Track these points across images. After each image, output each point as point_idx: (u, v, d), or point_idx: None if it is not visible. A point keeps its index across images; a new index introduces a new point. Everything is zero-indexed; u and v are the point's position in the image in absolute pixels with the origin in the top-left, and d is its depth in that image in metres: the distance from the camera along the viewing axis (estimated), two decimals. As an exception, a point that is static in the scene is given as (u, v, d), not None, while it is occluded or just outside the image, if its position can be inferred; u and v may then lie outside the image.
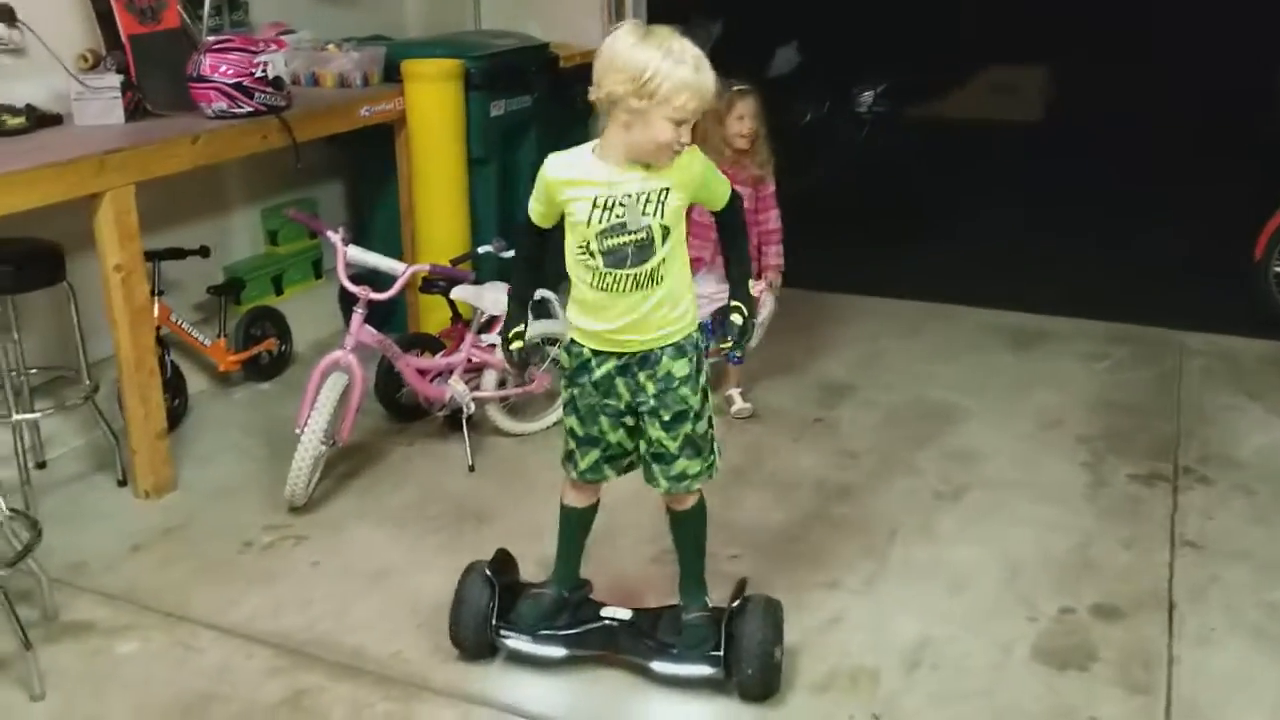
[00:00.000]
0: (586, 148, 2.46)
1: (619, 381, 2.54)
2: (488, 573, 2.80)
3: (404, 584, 3.20)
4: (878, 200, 7.83)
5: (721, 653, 2.64)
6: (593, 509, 2.81)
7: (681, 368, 2.52)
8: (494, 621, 2.77)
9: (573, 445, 2.67)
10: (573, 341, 2.60)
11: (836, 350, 4.88)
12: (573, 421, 2.64)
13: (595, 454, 2.64)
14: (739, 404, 4.22)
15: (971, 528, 3.46)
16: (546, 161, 2.48)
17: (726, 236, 2.68)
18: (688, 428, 2.55)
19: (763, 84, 9.19)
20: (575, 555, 2.84)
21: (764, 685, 2.65)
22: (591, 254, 2.44)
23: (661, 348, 2.51)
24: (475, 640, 2.80)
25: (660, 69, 2.25)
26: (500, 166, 4.87)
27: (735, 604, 2.68)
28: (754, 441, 4.02)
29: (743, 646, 2.62)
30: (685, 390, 2.52)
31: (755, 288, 4.10)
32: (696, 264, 4.06)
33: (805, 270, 5.36)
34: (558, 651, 2.77)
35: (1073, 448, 3.95)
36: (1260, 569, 3.20)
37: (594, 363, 2.55)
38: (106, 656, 2.89)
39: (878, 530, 3.44)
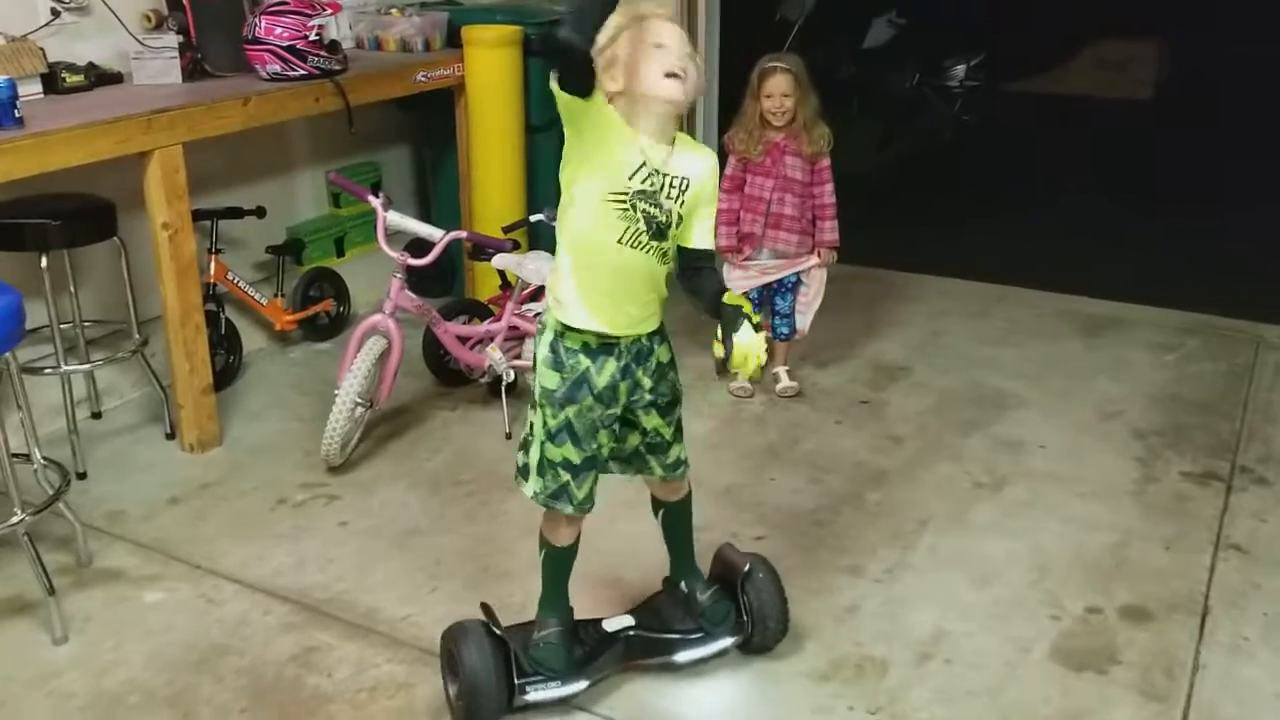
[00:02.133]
0: None
1: (621, 385, 2.36)
2: (497, 631, 2.50)
3: (427, 548, 3.23)
4: (958, 177, 7.64)
5: (745, 619, 2.67)
6: (578, 540, 2.57)
7: (666, 353, 2.45)
8: (517, 681, 2.48)
9: (567, 478, 2.38)
10: (566, 351, 2.33)
11: (896, 330, 4.78)
12: (567, 450, 2.36)
13: (593, 477, 2.43)
14: (784, 382, 4.16)
15: (1007, 520, 3.36)
16: None
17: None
18: (678, 413, 2.51)
19: (856, 55, 9.05)
20: (565, 588, 2.61)
21: (783, 632, 2.72)
22: (631, 206, 2.21)
23: (649, 335, 2.39)
24: (498, 708, 2.47)
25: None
26: (560, 134, 4.83)
27: (746, 568, 2.68)
28: (795, 420, 3.96)
29: (766, 606, 2.66)
30: (673, 375, 2.48)
31: (809, 262, 4.06)
32: (749, 239, 4.02)
33: (875, 246, 5.28)
34: (581, 685, 2.55)
35: (1127, 442, 3.81)
36: (1307, 578, 3.05)
37: (593, 370, 2.33)
38: (132, 604, 2.98)
39: (909, 518, 3.37)
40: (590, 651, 2.59)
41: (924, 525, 3.33)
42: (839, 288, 4.16)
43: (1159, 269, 5.45)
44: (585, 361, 2.32)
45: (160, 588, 3.05)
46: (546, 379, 2.35)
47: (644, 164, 2.21)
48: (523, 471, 2.47)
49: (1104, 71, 10.10)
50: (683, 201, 2.28)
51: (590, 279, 2.27)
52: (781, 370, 4.19)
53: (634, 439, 2.48)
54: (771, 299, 4.10)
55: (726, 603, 2.68)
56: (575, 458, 2.38)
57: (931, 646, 2.80)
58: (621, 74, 2.17)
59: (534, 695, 2.50)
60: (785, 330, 4.13)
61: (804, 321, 4.16)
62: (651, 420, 2.46)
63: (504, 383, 3.89)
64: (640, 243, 2.24)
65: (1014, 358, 4.51)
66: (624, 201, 2.20)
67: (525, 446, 2.46)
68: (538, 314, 3.98)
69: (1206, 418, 3.97)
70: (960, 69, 8.19)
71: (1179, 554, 3.17)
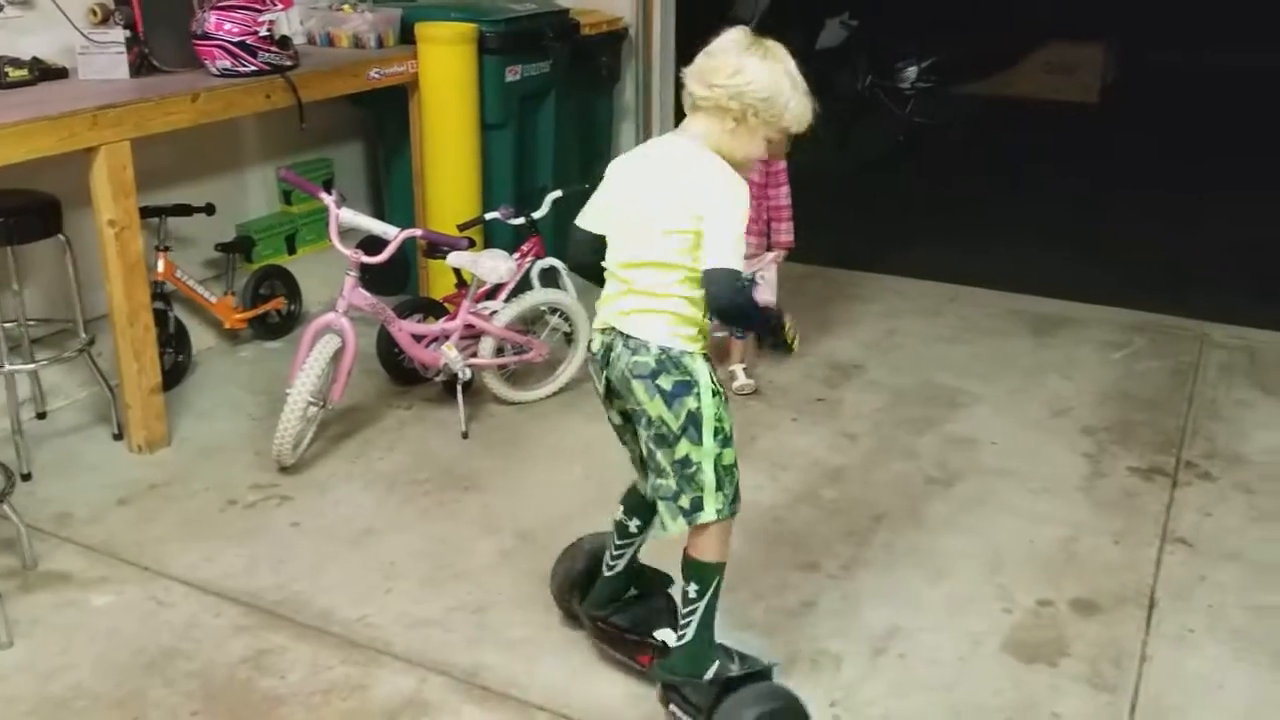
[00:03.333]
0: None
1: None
2: (587, 548, 2.78)
3: (381, 548, 3.21)
4: (912, 177, 7.72)
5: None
6: None
7: None
8: (574, 593, 2.77)
9: (737, 477, 2.39)
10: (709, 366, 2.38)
11: (851, 329, 4.81)
12: (730, 451, 2.36)
13: None
14: (741, 379, 4.18)
15: (960, 516, 3.39)
16: None
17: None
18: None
19: (809, 57, 9.11)
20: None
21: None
22: None
23: None
24: (560, 601, 2.86)
25: (790, 96, 2.26)
26: (517, 132, 4.84)
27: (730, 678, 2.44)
28: (751, 418, 3.97)
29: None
30: None
31: (764, 259, 4.08)
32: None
33: (829, 246, 5.32)
34: (612, 650, 2.68)
35: (1076, 438, 3.86)
36: (1250, 570, 3.10)
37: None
38: (79, 608, 2.93)
39: (864, 514, 3.39)
40: (629, 628, 2.65)
41: (879, 521, 3.35)
42: (794, 287, 4.19)
43: (1107, 268, 5.55)
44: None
45: (108, 590, 3.00)
46: (708, 389, 2.32)
47: None
48: (695, 506, 2.34)
49: (1053, 75, 10.29)
50: None
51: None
52: (738, 368, 4.21)
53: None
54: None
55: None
56: (732, 458, 2.38)
57: (886, 641, 2.82)
58: None
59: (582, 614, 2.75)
60: (739, 332, 4.15)
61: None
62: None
63: (460, 381, 3.87)
64: None
65: (966, 356, 4.55)
66: None
67: (681, 489, 2.34)
68: (493, 312, 3.97)
69: (1153, 414, 4.03)
70: (912, 71, 8.27)
71: (1127, 548, 3.22)
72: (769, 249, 4.10)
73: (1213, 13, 9.24)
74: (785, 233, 4.10)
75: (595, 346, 2.48)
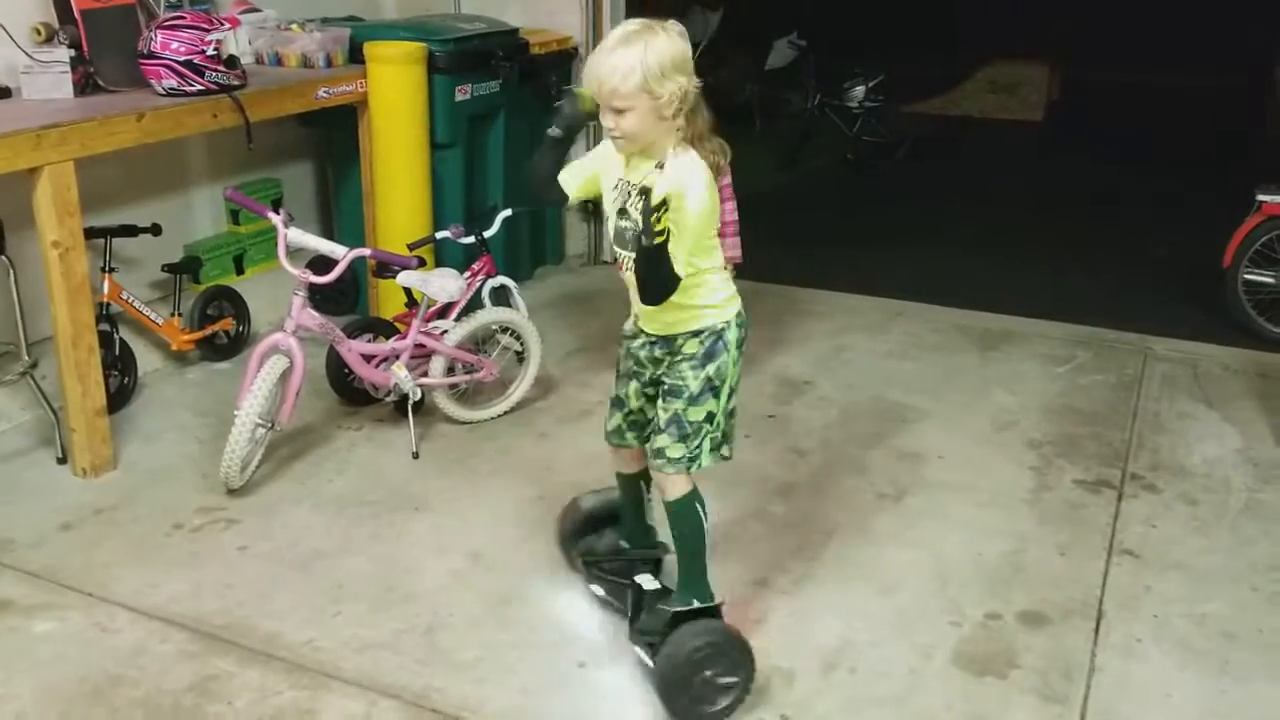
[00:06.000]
0: None
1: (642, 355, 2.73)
2: (582, 506, 3.10)
3: (329, 571, 3.18)
4: (860, 195, 7.81)
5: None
6: (633, 477, 2.91)
7: (693, 347, 2.59)
8: (571, 539, 3.09)
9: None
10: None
11: (799, 346, 4.84)
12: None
13: (619, 417, 2.80)
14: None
15: (909, 530, 3.42)
16: None
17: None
18: (677, 407, 2.59)
19: (759, 76, 9.18)
20: (632, 515, 2.99)
21: (663, 698, 2.59)
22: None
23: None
24: (564, 547, 3.15)
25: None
26: (467, 151, 4.84)
27: (683, 609, 2.63)
28: (702, 436, 3.98)
29: (664, 658, 2.56)
30: (688, 370, 2.59)
31: None
32: None
33: (778, 263, 5.36)
34: (598, 590, 2.98)
35: (1022, 451, 3.91)
36: (1194, 580, 3.16)
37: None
38: (21, 635, 2.88)
39: (815, 530, 3.41)
40: (619, 575, 2.93)
41: (829, 537, 3.37)
42: (743, 304, 4.18)
43: (1051, 283, 5.64)
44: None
45: (50, 617, 2.95)
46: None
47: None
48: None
49: (998, 94, 10.47)
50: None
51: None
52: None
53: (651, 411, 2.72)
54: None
55: (661, 627, 2.63)
56: (611, 390, 2.81)
57: (837, 656, 2.83)
58: None
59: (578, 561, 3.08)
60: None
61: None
62: (657, 400, 2.67)
63: (410, 401, 3.85)
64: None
65: (913, 371, 4.60)
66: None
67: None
68: (444, 331, 3.96)
69: (1098, 427, 4.09)
70: (860, 90, 8.36)
71: (1074, 560, 3.26)
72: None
73: (1156, 32, 9.46)
74: (733, 247, 4.12)
75: None
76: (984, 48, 10.27)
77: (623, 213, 2.55)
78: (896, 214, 7.09)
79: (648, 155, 2.48)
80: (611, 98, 2.35)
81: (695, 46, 6.91)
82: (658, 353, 2.65)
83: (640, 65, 2.31)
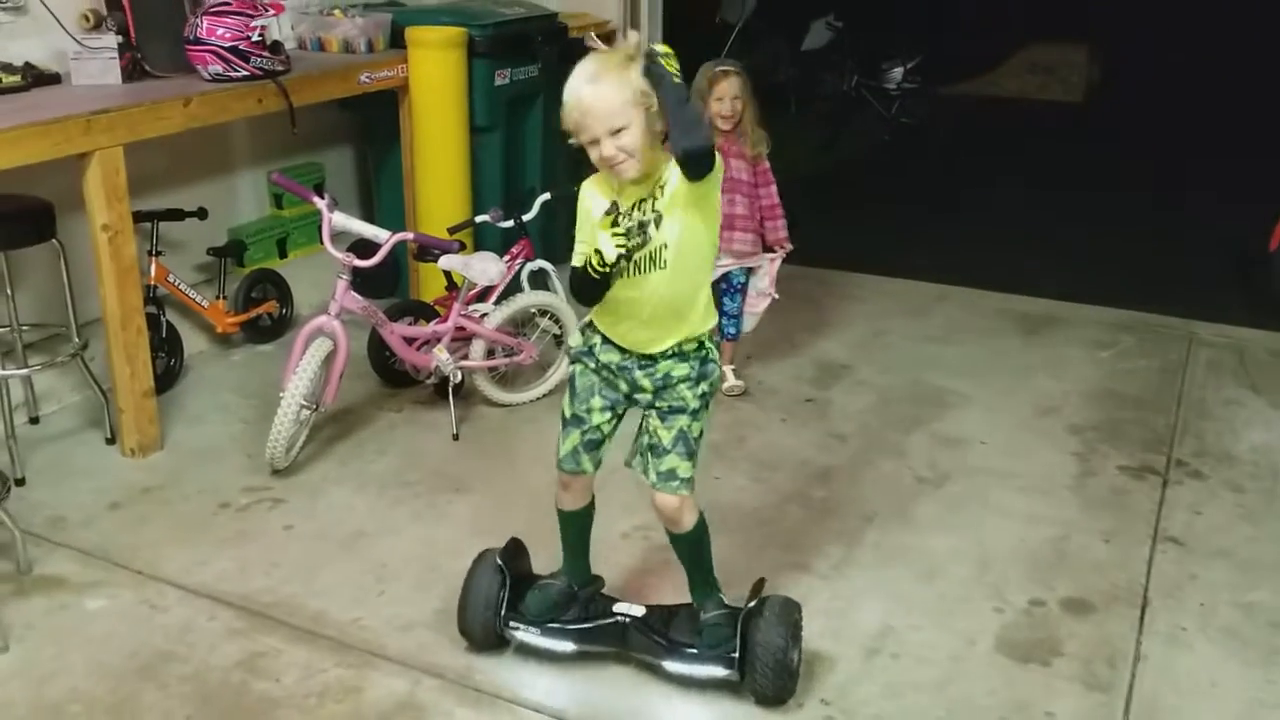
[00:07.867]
0: None
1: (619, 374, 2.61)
2: (499, 562, 2.72)
3: (373, 550, 3.22)
4: (899, 178, 7.75)
5: (738, 655, 2.55)
6: (584, 509, 2.72)
7: (684, 370, 2.50)
8: (503, 613, 2.70)
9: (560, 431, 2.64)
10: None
11: (840, 329, 4.83)
12: (564, 402, 2.63)
13: (576, 437, 2.62)
14: (730, 380, 4.19)
15: (950, 515, 3.41)
16: None
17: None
18: (682, 424, 2.50)
19: (795, 58, 9.11)
20: (579, 552, 2.76)
21: (778, 690, 2.56)
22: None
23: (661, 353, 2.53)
24: (483, 631, 2.72)
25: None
26: (505, 135, 4.85)
27: (751, 605, 2.58)
28: (740, 419, 3.99)
29: (757, 652, 2.52)
30: (686, 389, 2.51)
31: (766, 258, 4.09)
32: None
33: (816, 246, 5.33)
34: (566, 646, 2.70)
35: (1065, 437, 3.88)
36: (1240, 569, 3.13)
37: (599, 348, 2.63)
38: (73, 612, 2.93)
39: (854, 515, 3.41)
40: (588, 621, 2.71)
41: (869, 521, 3.37)
42: (781, 288, 4.18)
43: (1094, 267, 5.58)
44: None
45: (102, 594, 3.00)
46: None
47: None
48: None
49: (1037, 75, 10.35)
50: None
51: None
52: (727, 369, 4.22)
53: (644, 437, 2.56)
54: (720, 300, 4.12)
55: (726, 630, 2.59)
56: (566, 411, 2.60)
57: (878, 641, 2.83)
58: None
59: (518, 634, 2.72)
60: (732, 331, 4.16)
61: (750, 323, 4.21)
62: (652, 422, 2.54)
63: (451, 384, 3.88)
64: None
65: (954, 356, 4.58)
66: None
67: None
68: (484, 314, 3.98)
69: (1142, 413, 4.06)
70: (898, 71, 8.31)
71: (1118, 547, 3.24)
72: (766, 249, 4.11)
73: (1201, 12, 9.30)
74: (781, 229, 4.10)
75: None
76: (1023, 28, 10.16)
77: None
78: (936, 197, 7.03)
79: (644, 182, 2.37)
80: (610, 119, 2.27)
81: (732, 28, 6.83)
82: (637, 372, 2.50)
83: (626, 83, 2.27)
